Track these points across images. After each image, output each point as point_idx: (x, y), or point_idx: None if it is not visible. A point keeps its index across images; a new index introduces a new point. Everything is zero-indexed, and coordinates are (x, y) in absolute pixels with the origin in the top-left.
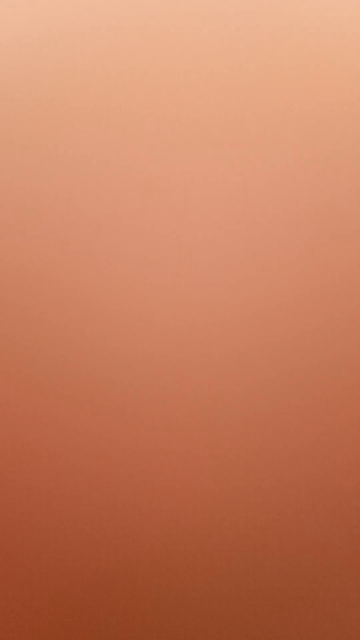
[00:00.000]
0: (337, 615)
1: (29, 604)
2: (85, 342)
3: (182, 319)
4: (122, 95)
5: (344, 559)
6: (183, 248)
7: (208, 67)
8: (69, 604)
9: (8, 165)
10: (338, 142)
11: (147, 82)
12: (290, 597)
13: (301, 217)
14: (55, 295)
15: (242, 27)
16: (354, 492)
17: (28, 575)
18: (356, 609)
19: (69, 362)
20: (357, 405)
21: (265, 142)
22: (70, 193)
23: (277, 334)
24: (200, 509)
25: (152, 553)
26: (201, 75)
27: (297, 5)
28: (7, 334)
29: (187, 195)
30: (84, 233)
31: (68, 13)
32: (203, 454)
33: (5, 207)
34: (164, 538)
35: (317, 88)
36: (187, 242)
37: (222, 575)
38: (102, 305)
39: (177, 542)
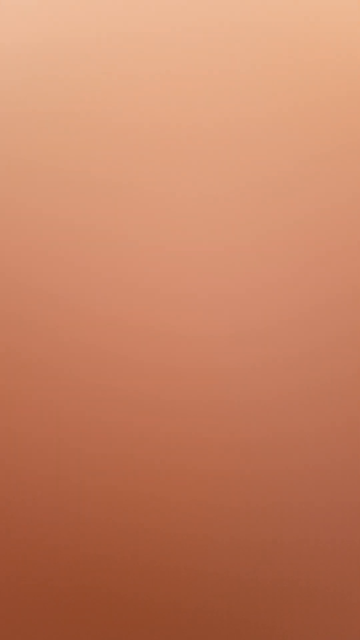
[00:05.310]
0: (337, 614)
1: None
2: (84, 325)
3: (180, 323)
4: (122, 98)
5: (344, 558)
6: (182, 251)
7: (207, 71)
8: (68, 589)
9: (7, 170)
10: (338, 147)
11: (146, 86)
12: (290, 584)
13: (301, 231)
14: (54, 300)
15: (240, 31)
16: (353, 489)
17: (27, 563)
18: (356, 608)
19: (67, 360)
20: (356, 404)
21: (264, 148)
22: (69, 197)
23: (277, 349)
24: (199, 506)
25: (150, 551)
26: (201, 79)
27: (297, 7)
28: (7, 339)
29: (186, 197)
30: (83, 238)
31: (67, 22)
32: (203, 453)
33: (5, 212)
34: (162, 537)
35: (316, 89)
36: (186, 244)
37: (222, 571)
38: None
39: (176, 540)
